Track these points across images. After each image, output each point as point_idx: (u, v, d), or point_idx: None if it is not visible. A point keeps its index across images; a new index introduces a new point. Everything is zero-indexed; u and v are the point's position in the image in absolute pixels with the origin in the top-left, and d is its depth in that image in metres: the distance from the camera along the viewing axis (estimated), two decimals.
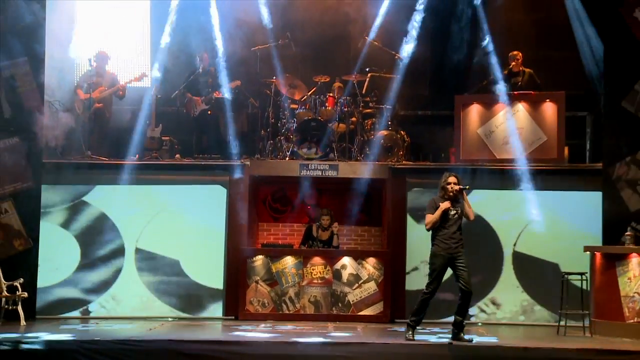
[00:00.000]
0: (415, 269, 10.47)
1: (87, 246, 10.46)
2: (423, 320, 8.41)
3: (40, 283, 10.08)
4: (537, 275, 10.38)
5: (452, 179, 8.21)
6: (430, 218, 8.22)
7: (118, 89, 11.15)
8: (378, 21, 11.92)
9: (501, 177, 10.56)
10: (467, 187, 8.34)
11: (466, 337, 8.22)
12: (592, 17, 10.89)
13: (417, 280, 10.31)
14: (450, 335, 8.23)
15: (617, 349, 7.90)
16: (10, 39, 9.87)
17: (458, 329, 8.21)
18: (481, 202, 10.43)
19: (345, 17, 11.98)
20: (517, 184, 10.43)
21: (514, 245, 10.49)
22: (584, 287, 9.13)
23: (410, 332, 8.25)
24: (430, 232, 8.27)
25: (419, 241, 10.11)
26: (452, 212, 8.19)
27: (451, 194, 8.19)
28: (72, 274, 10.39)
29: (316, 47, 12.07)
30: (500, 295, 10.44)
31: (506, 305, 10.41)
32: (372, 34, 11.83)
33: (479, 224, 10.24)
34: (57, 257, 10.35)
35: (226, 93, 11.35)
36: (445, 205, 8.14)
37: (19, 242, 9.95)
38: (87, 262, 10.42)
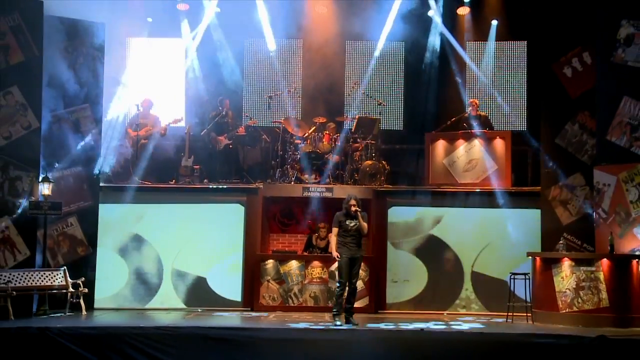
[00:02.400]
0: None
1: (134, 265, 10.39)
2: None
3: (98, 295, 10.06)
4: (491, 291, 10.30)
5: (352, 202, 8.65)
6: (332, 241, 8.75)
7: (160, 129, 11.29)
8: (365, 74, 12.20)
9: (462, 198, 10.60)
10: (360, 210, 8.64)
11: (355, 321, 8.47)
12: (530, 70, 11.11)
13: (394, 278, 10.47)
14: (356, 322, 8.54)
15: (552, 333, 7.96)
16: (76, 90, 9.99)
17: (347, 312, 8.53)
18: (447, 221, 10.51)
19: (338, 72, 12.20)
20: (475, 204, 10.50)
21: (472, 266, 10.45)
22: (527, 284, 9.15)
23: (337, 319, 8.44)
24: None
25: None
26: (352, 225, 8.58)
27: (351, 212, 8.59)
28: (121, 289, 10.32)
29: (316, 95, 12.18)
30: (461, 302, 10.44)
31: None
32: (360, 84, 12.07)
33: (444, 248, 10.38)
34: (111, 275, 10.27)
35: (244, 131, 11.54)
36: (335, 255, 8.64)
37: (81, 249, 10.03)
38: (134, 279, 10.36)
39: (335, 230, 8.69)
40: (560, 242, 9.31)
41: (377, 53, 12.16)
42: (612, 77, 9.56)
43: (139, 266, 10.41)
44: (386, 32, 11.95)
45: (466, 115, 11.34)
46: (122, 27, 11.07)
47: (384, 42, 12.21)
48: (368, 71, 12.16)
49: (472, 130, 11.03)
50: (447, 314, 10.21)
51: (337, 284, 8.64)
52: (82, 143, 10.09)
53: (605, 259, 8.73)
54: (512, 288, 9.20)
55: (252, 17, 11.89)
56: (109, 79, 10.51)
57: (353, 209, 8.62)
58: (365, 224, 8.67)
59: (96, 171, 10.14)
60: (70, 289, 9.35)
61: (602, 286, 8.62)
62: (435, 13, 11.94)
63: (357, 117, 11.73)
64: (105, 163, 10.47)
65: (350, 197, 8.73)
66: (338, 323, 8.41)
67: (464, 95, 11.97)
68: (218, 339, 7.77)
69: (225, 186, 10.85)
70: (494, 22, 11.98)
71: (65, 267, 9.54)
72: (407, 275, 10.46)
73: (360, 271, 10.23)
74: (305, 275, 10.33)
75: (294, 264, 10.36)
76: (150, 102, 11.36)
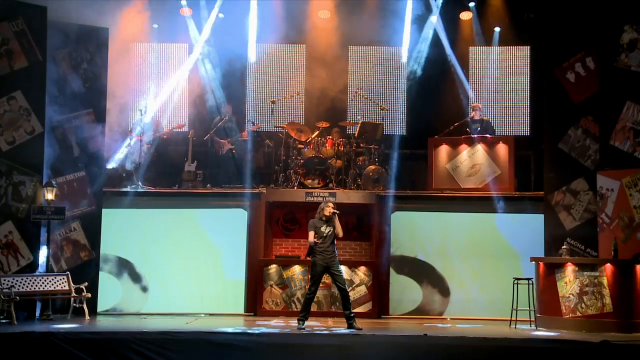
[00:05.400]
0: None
1: (137, 270, 10.42)
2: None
3: (102, 299, 10.08)
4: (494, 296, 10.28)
5: (330, 204, 8.50)
6: (310, 236, 8.50)
7: (163, 134, 11.34)
8: (368, 80, 12.24)
9: (465, 202, 10.63)
10: (338, 212, 8.54)
11: (357, 326, 8.32)
12: (533, 76, 11.14)
13: (397, 284, 10.49)
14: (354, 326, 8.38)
15: (555, 339, 7.98)
16: (79, 96, 10.06)
17: (349, 320, 8.36)
18: (450, 226, 10.52)
19: (341, 77, 12.24)
20: (478, 209, 10.50)
21: (475, 270, 10.40)
22: (531, 289, 9.15)
23: (301, 324, 8.36)
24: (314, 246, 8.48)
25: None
26: (327, 231, 8.41)
27: (328, 214, 8.44)
28: (124, 294, 10.36)
29: (319, 100, 12.22)
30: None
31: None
32: (363, 90, 12.12)
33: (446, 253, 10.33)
34: (114, 280, 10.32)
35: (247, 136, 11.57)
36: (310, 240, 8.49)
37: (84, 253, 10.07)
38: (137, 284, 10.41)
39: (312, 233, 8.52)
40: (564, 247, 9.31)
41: (379, 58, 12.19)
42: (615, 82, 9.60)
43: (142, 271, 10.43)
44: (389, 37, 12.00)
45: (469, 120, 11.37)
46: (125, 32, 11.12)
47: (386, 47, 12.26)
48: (371, 76, 12.20)
49: (475, 135, 11.04)
50: (450, 319, 10.22)
51: (308, 291, 8.55)
52: (86, 148, 10.12)
53: (608, 264, 8.73)
54: (515, 293, 9.19)
55: (255, 22, 11.95)
56: (112, 84, 10.54)
57: (332, 210, 8.46)
58: (340, 226, 8.52)
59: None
60: (74, 294, 9.40)
61: (606, 291, 8.63)
62: (438, 18, 11.98)
63: (360, 122, 11.78)
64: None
65: (328, 200, 8.59)
66: (301, 327, 8.36)
67: (467, 100, 11.99)
68: (221, 344, 7.71)
69: (228, 191, 10.89)
70: (497, 29, 12.02)
71: (68, 272, 9.58)
72: (410, 283, 10.46)
73: (364, 276, 10.37)
74: (309, 280, 10.33)
75: (297, 269, 10.38)
76: (154, 107, 11.41)
